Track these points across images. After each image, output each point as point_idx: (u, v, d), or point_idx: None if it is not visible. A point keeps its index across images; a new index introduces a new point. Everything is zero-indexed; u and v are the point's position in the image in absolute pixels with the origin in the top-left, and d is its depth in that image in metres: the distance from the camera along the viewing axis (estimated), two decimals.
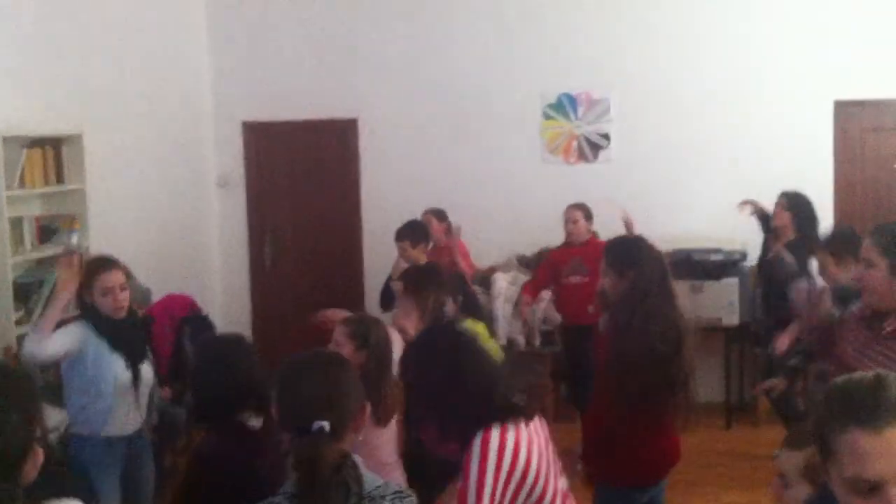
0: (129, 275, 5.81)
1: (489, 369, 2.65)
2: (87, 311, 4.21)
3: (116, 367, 4.14)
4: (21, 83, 5.73)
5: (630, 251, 3.72)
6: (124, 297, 4.20)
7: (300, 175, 7.89)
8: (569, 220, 6.31)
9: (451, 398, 2.52)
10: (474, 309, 5.15)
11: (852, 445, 1.57)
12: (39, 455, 1.54)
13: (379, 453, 3.44)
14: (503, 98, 7.50)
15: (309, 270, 7.88)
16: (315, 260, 7.89)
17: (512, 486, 2.47)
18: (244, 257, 8.02)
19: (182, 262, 7.28)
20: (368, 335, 3.61)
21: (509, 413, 2.52)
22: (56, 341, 4.03)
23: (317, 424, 2.09)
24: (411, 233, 6.02)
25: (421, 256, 5.88)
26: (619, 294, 3.64)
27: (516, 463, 2.47)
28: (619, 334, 3.59)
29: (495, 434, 2.47)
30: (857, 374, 1.69)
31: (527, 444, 2.50)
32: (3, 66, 5.60)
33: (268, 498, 2.14)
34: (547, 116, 7.52)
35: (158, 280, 6.16)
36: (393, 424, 3.62)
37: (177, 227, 7.39)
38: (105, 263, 4.28)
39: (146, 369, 4.29)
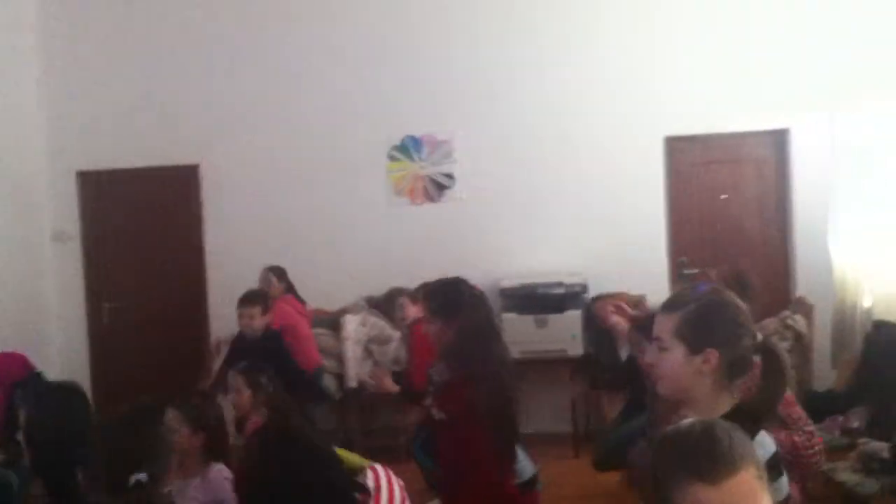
0: None
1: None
2: None
3: None
4: None
5: (452, 296, 3.67)
6: None
7: (140, 225, 7.70)
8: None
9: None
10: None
11: (693, 498, 1.66)
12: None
13: None
14: (349, 140, 7.51)
15: (151, 325, 7.64)
16: (158, 314, 7.66)
17: None
18: (82, 313, 7.72)
19: (16, 319, 6.96)
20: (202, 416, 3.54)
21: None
22: None
23: (135, 478, 2.06)
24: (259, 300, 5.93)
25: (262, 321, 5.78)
26: (449, 341, 3.59)
27: None
28: (464, 384, 3.49)
29: None
30: (685, 425, 1.77)
31: None
32: None
33: None
34: (392, 158, 7.57)
35: None
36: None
37: (11, 283, 7.06)
38: None
39: None
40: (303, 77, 7.55)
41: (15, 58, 7.41)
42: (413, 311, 5.84)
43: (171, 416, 3.45)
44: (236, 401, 4.31)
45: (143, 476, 2.06)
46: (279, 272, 6.65)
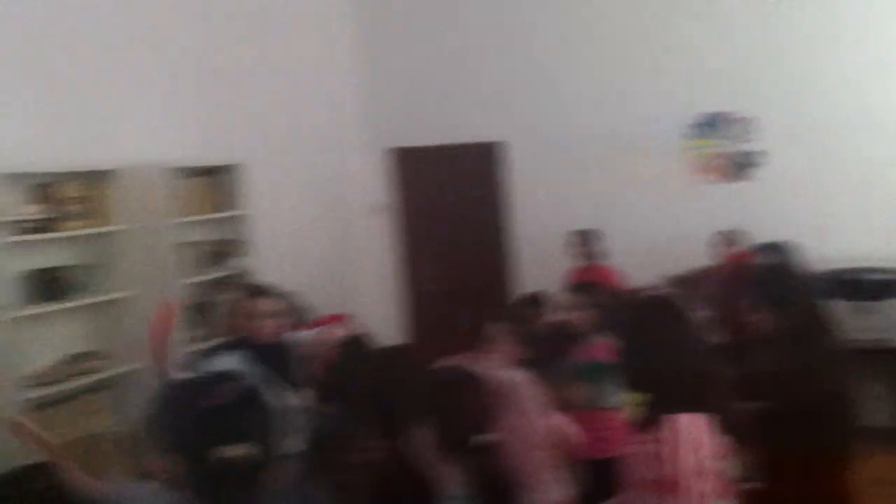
0: (287, 296, 6.09)
1: None
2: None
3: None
4: (189, 118, 6.16)
5: (784, 285, 3.63)
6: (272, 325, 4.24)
7: (447, 199, 8.05)
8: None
9: None
10: None
11: None
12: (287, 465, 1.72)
13: None
14: (645, 118, 7.45)
15: (456, 293, 7.99)
16: (462, 287, 7.99)
17: None
18: (394, 281, 8.24)
19: (334, 290, 7.54)
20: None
21: None
22: None
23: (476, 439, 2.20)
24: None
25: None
26: (776, 329, 3.54)
27: None
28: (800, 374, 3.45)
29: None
30: None
31: None
32: (173, 103, 6.03)
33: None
34: (690, 136, 7.42)
35: (318, 301, 6.38)
36: None
37: (329, 254, 7.68)
38: (257, 290, 4.37)
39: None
40: (603, 54, 7.58)
41: (332, 40, 8.01)
42: None
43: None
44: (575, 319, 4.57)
45: (482, 438, 2.19)
46: (586, 235, 6.70)
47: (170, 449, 1.61)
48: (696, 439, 2.53)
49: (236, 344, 4.24)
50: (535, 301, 5.90)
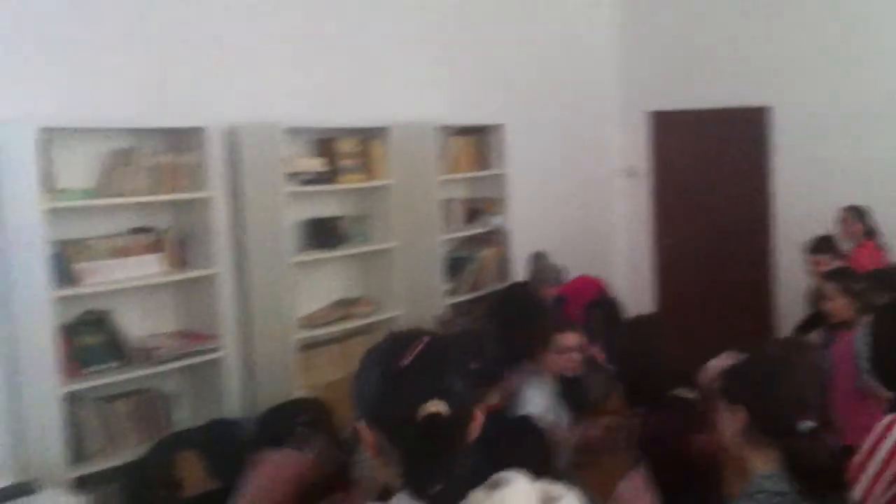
0: (544, 255, 6.19)
1: None
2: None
3: (561, 421, 4.21)
4: (454, 80, 6.35)
5: None
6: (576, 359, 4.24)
7: (706, 165, 7.82)
8: None
9: None
10: None
11: None
12: (479, 414, 1.59)
13: None
14: None
15: (712, 262, 7.78)
16: (719, 252, 7.77)
17: None
18: (647, 245, 8.14)
19: (586, 249, 7.57)
20: None
21: None
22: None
23: (803, 425, 2.15)
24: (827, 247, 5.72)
25: None
26: None
27: None
28: None
29: None
30: None
31: None
32: (441, 65, 6.26)
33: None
34: None
35: (568, 261, 6.44)
36: None
37: (585, 212, 7.71)
38: (560, 326, 4.34)
39: None
40: (886, 11, 7.05)
41: (596, 2, 7.96)
42: None
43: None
44: (831, 307, 4.49)
45: (807, 425, 2.12)
46: (857, 212, 6.27)
47: (370, 411, 1.56)
48: None
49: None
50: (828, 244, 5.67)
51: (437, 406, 1.49)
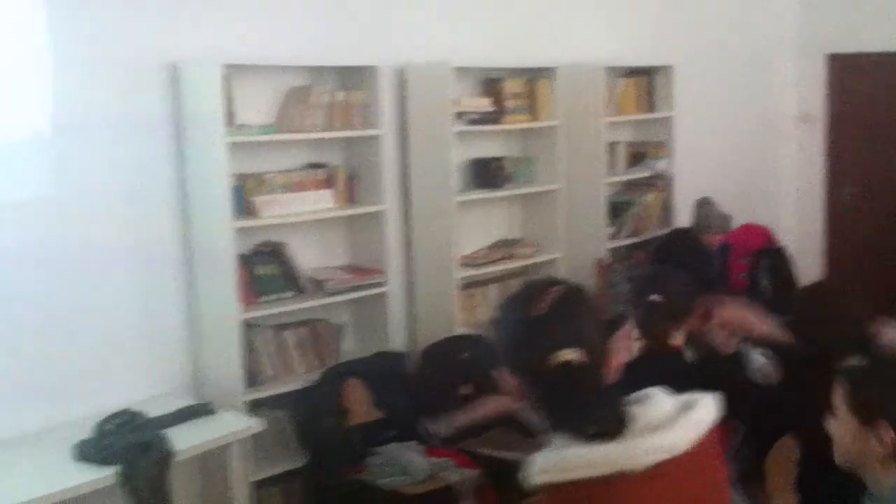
0: (709, 201, 6.02)
1: None
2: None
3: None
4: (622, 20, 6.22)
5: None
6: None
7: (887, 112, 7.38)
8: None
9: None
10: None
11: None
12: (613, 362, 1.64)
13: None
14: None
15: (891, 216, 7.39)
16: (890, 206, 7.37)
17: None
18: (820, 193, 7.78)
19: (757, 193, 7.32)
20: None
21: None
22: None
23: None
24: None
25: None
26: None
27: None
28: None
29: None
30: None
31: None
32: (608, 7, 6.14)
33: None
34: None
35: (733, 209, 6.25)
36: None
37: (754, 159, 7.44)
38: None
39: None
40: None
41: None
42: None
43: None
44: None
45: None
46: None
47: (508, 357, 1.64)
48: None
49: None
50: None
51: (569, 354, 1.54)
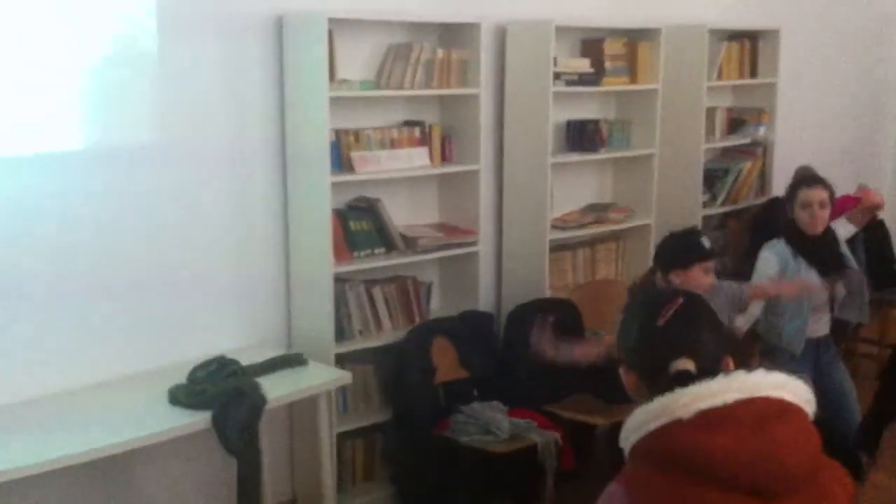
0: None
1: None
2: (787, 226, 4.36)
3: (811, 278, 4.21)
4: None
5: None
6: (822, 215, 4.22)
7: None
8: None
9: None
10: None
11: None
12: (730, 362, 1.73)
13: None
14: None
15: None
16: None
17: None
18: None
19: (859, 164, 7.09)
20: None
21: None
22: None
23: None
24: None
25: None
26: None
27: None
28: None
29: None
30: None
31: None
32: None
33: None
34: None
35: (835, 179, 6.05)
36: None
37: (858, 129, 7.20)
38: (810, 180, 4.32)
39: (839, 287, 4.28)
40: None
41: None
42: None
43: None
44: None
45: None
46: None
47: (629, 358, 1.78)
48: None
49: (786, 232, 4.33)
50: None
51: (686, 364, 1.66)
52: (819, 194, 4.27)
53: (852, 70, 7.06)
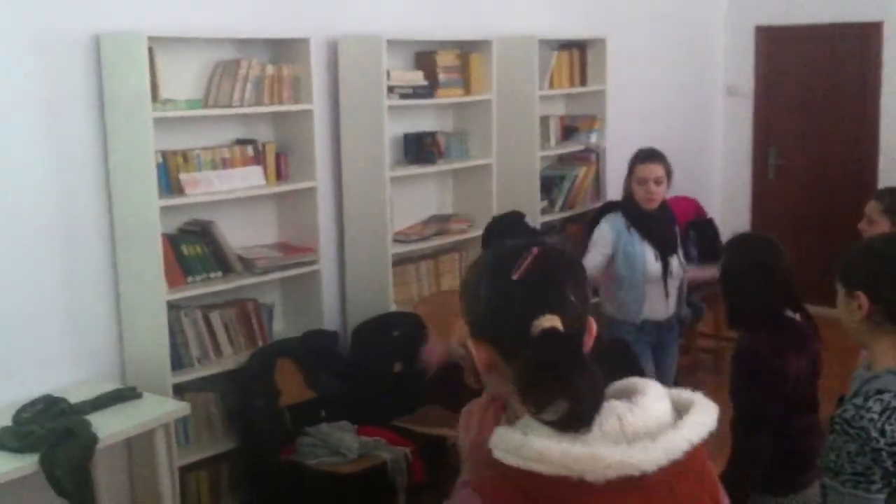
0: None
1: None
2: (624, 200, 4.49)
3: (647, 258, 4.36)
4: None
5: None
6: (658, 192, 4.36)
7: (812, 83, 7.49)
8: None
9: None
10: None
11: None
12: (593, 326, 1.49)
13: None
14: None
15: (814, 185, 7.53)
16: (821, 175, 7.51)
17: None
18: (747, 165, 7.88)
19: (686, 165, 7.37)
20: None
21: None
22: (591, 262, 4.34)
23: None
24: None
25: None
26: None
27: None
28: None
29: None
30: None
31: None
32: None
33: None
34: None
35: None
36: None
37: (685, 131, 7.48)
38: (646, 155, 4.46)
39: (675, 263, 4.45)
40: None
41: None
42: None
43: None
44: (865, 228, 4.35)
45: None
46: None
47: (482, 326, 1.47)
48: None
49: (622, 206, 4.47)
50: None
51: (551, 321, 1.39)
52: (655, 170, 4.39)
53: (677, 76, 7.35)
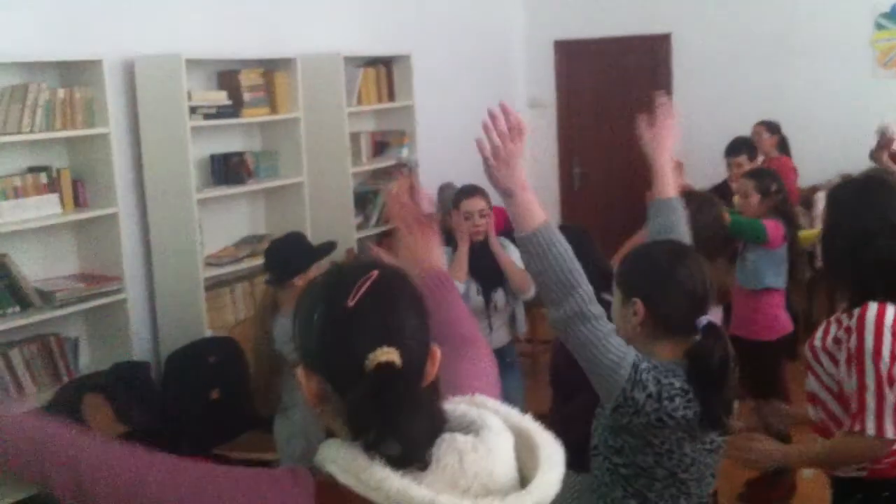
0: (451, 186, 6.16)
1: None
2: (447, 235, 4.51)
3: (469, 292, 4.38)
4: (360, 10, 6.20)
5: None
6: (483, 224, 4.39)
7: (609, 94, 7.87)
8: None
9: None
10: None
11: None
12: (437, 353, 1.41)
13: None
14: (829, 8, 7.05)
15: (615, 192, 7.88)
16: (622, 182, 7.88)
17: None
18: (554, 176, 8.17)
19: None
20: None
21: None
22: None
23: (700, 321, 2.21)
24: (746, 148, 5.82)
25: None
26: None
27: None
28: None
29: None
30: None
31: None
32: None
33: None
34: (880, 27, 6.99)
35: None
36: None
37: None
38: (469, 191, 4.47)
39: (499, 296, 4.48)
40: None
41: None
42: None
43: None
44: (742, 204, 4.65)
45: (705, 321, 2.24)
46: (770, 127, 6.38)
47: (312, 357, 1.37)
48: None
49: (449, 242, 4.36)
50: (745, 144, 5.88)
51: (388, 354, 1.30)
52: (478, 203, 4.44)
53: (482, 89, 7.51)
